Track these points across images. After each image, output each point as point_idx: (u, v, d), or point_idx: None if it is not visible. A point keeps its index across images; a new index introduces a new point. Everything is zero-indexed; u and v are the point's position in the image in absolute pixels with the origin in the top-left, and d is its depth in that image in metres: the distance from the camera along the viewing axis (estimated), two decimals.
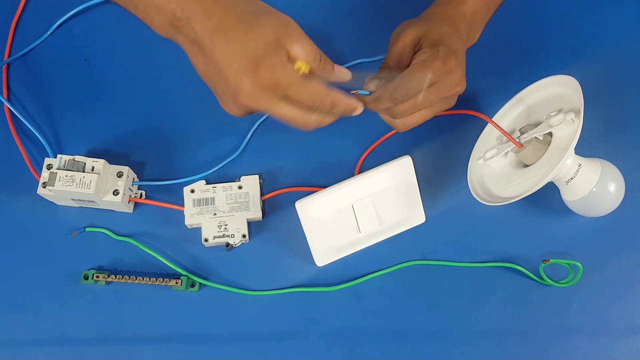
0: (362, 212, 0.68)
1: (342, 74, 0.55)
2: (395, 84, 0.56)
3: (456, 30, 0.60)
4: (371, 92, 0.57)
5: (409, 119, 0.58)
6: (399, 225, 0.69)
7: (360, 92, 0.57)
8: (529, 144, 0.65)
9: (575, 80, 0.63)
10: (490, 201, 0.65)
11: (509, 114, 0.70)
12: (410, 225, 0.69)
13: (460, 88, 0.58)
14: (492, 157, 0.67)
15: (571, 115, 0.62)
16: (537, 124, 0.66)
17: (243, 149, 0.72)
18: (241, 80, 0.48)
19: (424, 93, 0.55)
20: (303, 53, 0.50)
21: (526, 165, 0.66)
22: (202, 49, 0.49)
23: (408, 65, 0.58)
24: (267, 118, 0.73)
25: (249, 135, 0.72)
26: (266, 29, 0.48)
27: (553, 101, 0.66)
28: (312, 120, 0.52)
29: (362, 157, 0.71)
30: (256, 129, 0.73)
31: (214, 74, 0.50)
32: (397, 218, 0.69)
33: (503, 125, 0.69)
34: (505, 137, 0.65)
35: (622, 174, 0.66)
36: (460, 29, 0.61)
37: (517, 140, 0.65)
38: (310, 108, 0.51)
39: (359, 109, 0.55)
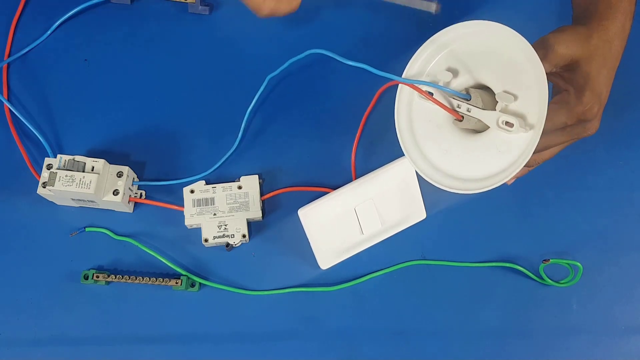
0: (364, 215, 0.67)
1: None
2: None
3: (610, 55, 0.56)
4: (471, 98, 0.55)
5: (539, 155, 0.59)
6: (400, 223, 0.69)
7: (458, 94, 0.55)
8: (470, 119, 0.57)
9: (531, 49, 0.52)
10: (428, 174, 0.59)
11: (426, 60, 0.59)
12: (411, 222, 0.69)
13: (593, 132, 0.57)
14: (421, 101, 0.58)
15: (522, 131, 0.53)
16: (481, 86, 0.57)
17: (240, 143, 0.72)
18: None
19: (556, 133, 0.55)
20: None
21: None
22: None
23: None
24: (259, 108, 0.73)
25: (244, 124, 0.72)
26: None
27: (503, 63, 0.55)
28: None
29: (354, 149, 0.72)
30: (251, 118, 0.73)
31: None
32: (398, 217, 0.69)
33: (419, 68, 0.57)
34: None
35: (622, 174, 0.66)
36: (614, 49, 0.56)
37: (456, 108, 0.56)
38: None
39: None
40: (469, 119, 0.56)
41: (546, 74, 0.53)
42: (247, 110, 0.71)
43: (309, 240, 0.65)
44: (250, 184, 0.69)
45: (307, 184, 0.71)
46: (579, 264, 0.66)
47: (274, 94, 0.74)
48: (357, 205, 0.67)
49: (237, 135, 0.72)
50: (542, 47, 0.54)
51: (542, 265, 0.66)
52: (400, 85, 0.61)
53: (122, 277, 0.67)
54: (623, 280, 0.68)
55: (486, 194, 0.70)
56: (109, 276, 0.67)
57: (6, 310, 0.67)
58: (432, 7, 0.66)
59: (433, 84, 0.56)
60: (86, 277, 0.67)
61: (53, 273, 0.68)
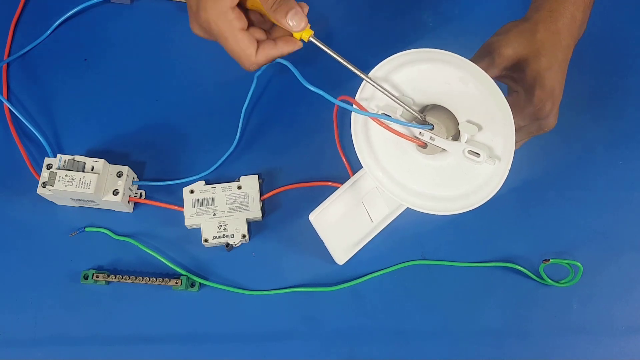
0: (371, 204, 0.68)
1: (295, 21, 0.51)
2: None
3: (559, 47, 0.54)
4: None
5: None
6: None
7: (422, 127, 0.53)
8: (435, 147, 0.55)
9: (489, 79, 0.49)
10: (388, 188, 0.57)
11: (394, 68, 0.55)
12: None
13: (550, 128, 0.56)
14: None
15: (490, 162, 0.51)
16: (439, 108, 0.54)
17: (239, 142, 0.72)
18: (191, 8, 0.55)
19: None
20: None
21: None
22: None
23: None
24: (256, 108, 0.73)
25: (241, 123, 0.72)
26: None
27: (467, 93, 0.52)
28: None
29: (337, 143, 0.71)
30: (248, 117, 0.73)
31: None
32: None
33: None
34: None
35: (622, 174, 0.66)
36: (564, 41, 0.55)
37: (418, 135, 0.54)
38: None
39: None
40: (433, 146, 0.54)
41: (496, 76, 0.52)
42: (242, 109, 0.71)
43: (323, 241, 0.65)
44: (250, 183, 0.69)
45: (306, 181, 0.71)
46: (579, 264, 0.66)
47: (269, 93, 0.74)
48: (363, 197, 0.67)
49: (236, 135, 0.72)
50: (487, 52, 0.53)
51: (542, 265, 0.66)
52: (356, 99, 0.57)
53: (122, 277, 0.67)
54: (623, 280, 0.68)
55: None
56: (108, 276, 0.67)
57: (6, 310, 0.67)
58: None
59: (395, 119, 0.53)
60: (86, 277, 0.67)
61: (53, 273, 0.68)
